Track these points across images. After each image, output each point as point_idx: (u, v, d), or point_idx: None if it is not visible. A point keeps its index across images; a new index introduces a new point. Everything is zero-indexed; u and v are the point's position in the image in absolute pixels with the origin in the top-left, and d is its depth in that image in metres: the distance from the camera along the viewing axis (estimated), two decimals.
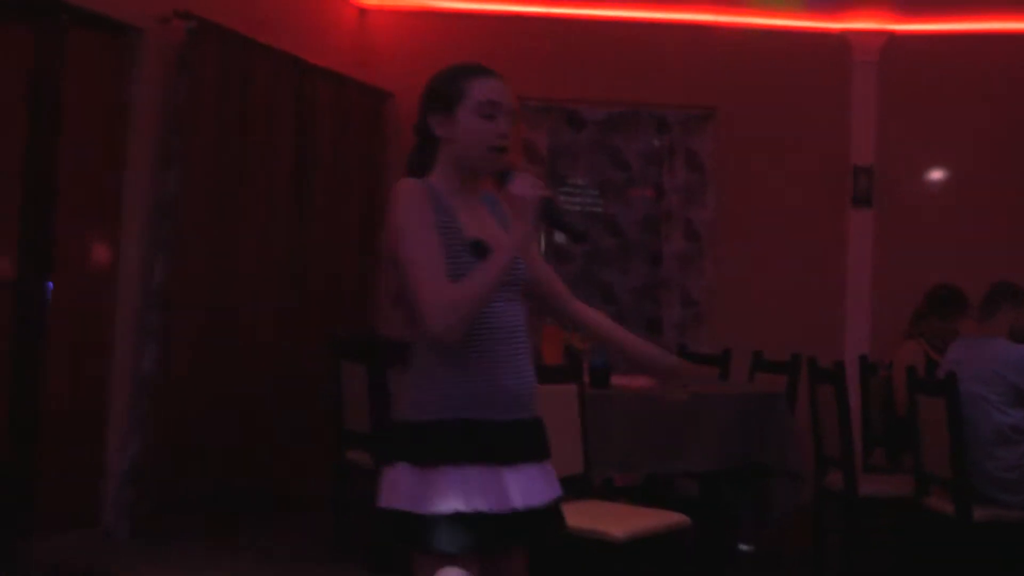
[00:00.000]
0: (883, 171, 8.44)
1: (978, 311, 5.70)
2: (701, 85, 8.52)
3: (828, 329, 8.34)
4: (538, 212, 2.75)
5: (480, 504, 2.68)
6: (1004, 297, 5.59)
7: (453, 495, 2.66)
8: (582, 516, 4.59)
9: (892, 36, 8.46)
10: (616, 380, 5.76)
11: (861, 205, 8.43)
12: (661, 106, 8.49)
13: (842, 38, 8.50)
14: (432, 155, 2.87)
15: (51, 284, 5.91)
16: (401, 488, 2.70)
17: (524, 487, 2.77)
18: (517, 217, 2.75)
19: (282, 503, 7.00)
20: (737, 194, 8.51)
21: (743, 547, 6.49)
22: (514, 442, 2.80)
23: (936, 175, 8.49)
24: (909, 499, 5.66)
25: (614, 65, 8.45)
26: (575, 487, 4.92)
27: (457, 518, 2.65)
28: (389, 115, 8.31)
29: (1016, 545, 5.25)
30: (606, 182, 8.57)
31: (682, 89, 8.51)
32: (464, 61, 2.93)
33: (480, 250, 2.76)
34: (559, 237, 8.30)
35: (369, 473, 5.78)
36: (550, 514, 2.85)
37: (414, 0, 8.47)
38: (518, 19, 8.46)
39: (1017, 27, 8.26)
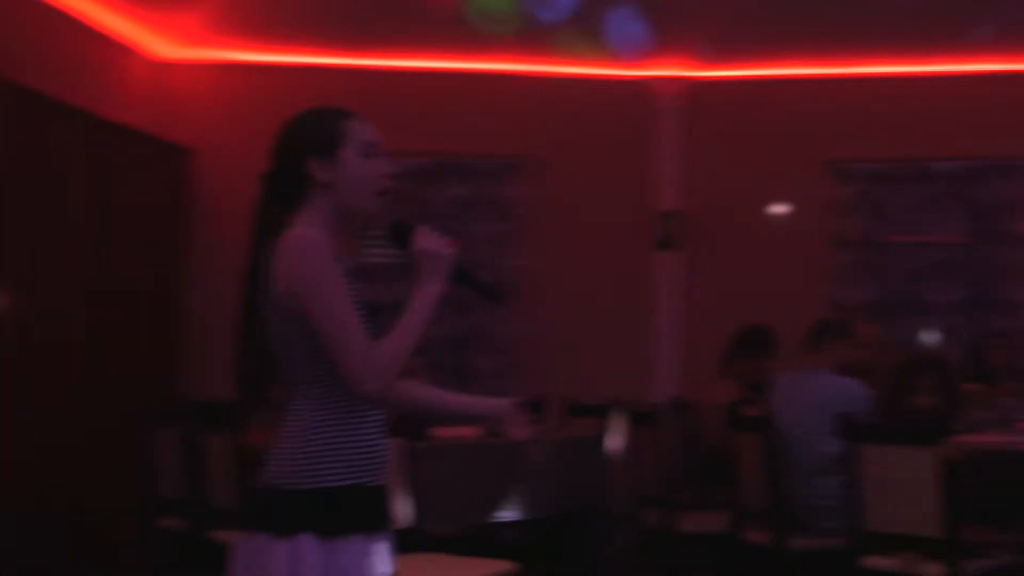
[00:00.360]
0: (688, 215, 8.62)
1: (804, 345, 5.86)
2: (507, 134, 8.59)
3: (638, 372, 8.46)
4: (451, 269, 2.69)
5: (388, 570, 2.65)
6: (829, 331, 5.77)
7: (368, 564, 2.60)
8: (412, 570, 4.53)
9: (693, 82, 8.68)
10: (439, 431, 5.73)
11: (667, 249, 8.59)
12: (468, 156, 8.53)
13: (644, 85, 8.69)
14: (293, 207, 2.70)
15: None
16: (307, 561, 2.51)
17: (391, 551, 2.75)
18: (429, 274, 2.67)
19: (92, 572, 6.73)
20: (546, 241, 8.60)
21: None
22: (387, 506, 2.76)
23: (740, 218, 8.70)
24: (727, 533, 5.76)
25: (420, 116, 8.44)
26: (403, 541, 4.84)
27: None
28: (190, 171, 8.16)
29: (832, 572, 5.38)
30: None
31: (488, 138, 8.57)
32: (325, 105, 2.81)
33: (374, 308, 2.68)
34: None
35: (182, 539, 5.64)
36: None
37: (211, 53, 8.34)
38: (320, 71, 8.41)
39: (812, 72, 8.58)
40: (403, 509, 4.87)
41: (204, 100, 8.33)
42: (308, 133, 2.70)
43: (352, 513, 2.59)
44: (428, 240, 2.70)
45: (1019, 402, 6.01)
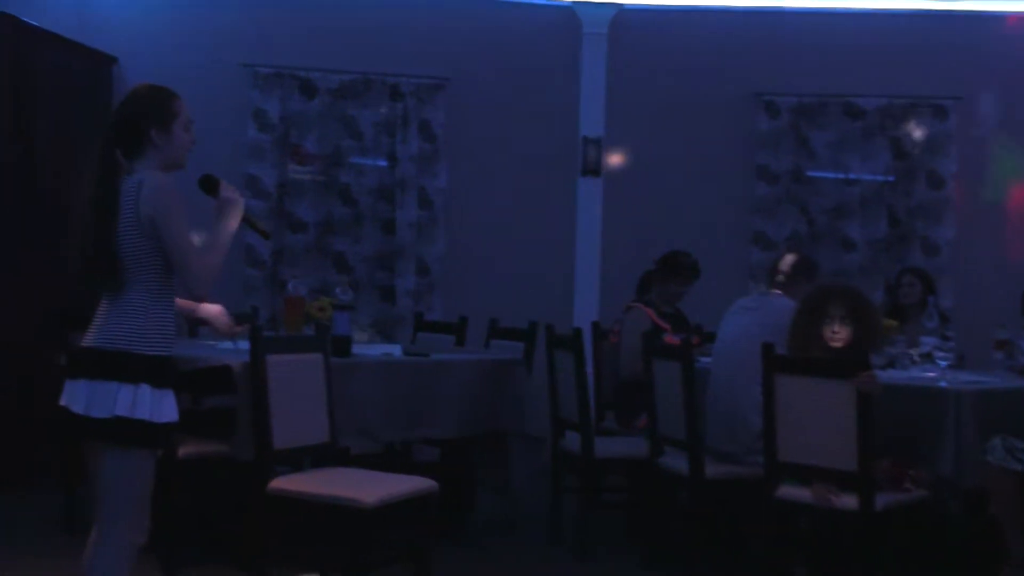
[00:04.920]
0: (611, 142, 8.63)
1: (776, 280, 5.80)
2: (434, 55, 8.53)
3: (559, 296, 8.50)
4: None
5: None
6: (799, 268, 5.73)
7: (173, 407, 3.66)
8: (332, 483, 4.55)
9: (620, 9, 8.63)
10: (357, 349, 5.72)
11: (590, 175, 8.60)
12: (394, 75, 8.45)
13: (572, 11, 8.63)
14: (130, 154, 3.63)
15: None
16: (144, 400, 3.53)
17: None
18: (228, 215, 3.72)
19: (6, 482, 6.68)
20: (470, 164, 8.58)
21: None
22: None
23: (662, 145, 8.70)
24: (643, 459, 5.82)
25: (347, 33, 8.36)
26: (322, 455, 4.88)
27: None
28: (113, 80, 8.01)
29: (746, 500, 5.45)
30: (339, 150, 8.45)
31: (415, 58, 8.50)
32: (161, 85, 3.72)
33: None
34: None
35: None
36: None
37: None
38: None
39: (740, 3, 8.59)
40: (322, 425, 4.86)
41: (129, 9, 8.16)
42: (152, 107, 3.67)
43: (170, 375, 3.62)
44: (230, 190, 3.76)
45: (934, 339, 6.06)
